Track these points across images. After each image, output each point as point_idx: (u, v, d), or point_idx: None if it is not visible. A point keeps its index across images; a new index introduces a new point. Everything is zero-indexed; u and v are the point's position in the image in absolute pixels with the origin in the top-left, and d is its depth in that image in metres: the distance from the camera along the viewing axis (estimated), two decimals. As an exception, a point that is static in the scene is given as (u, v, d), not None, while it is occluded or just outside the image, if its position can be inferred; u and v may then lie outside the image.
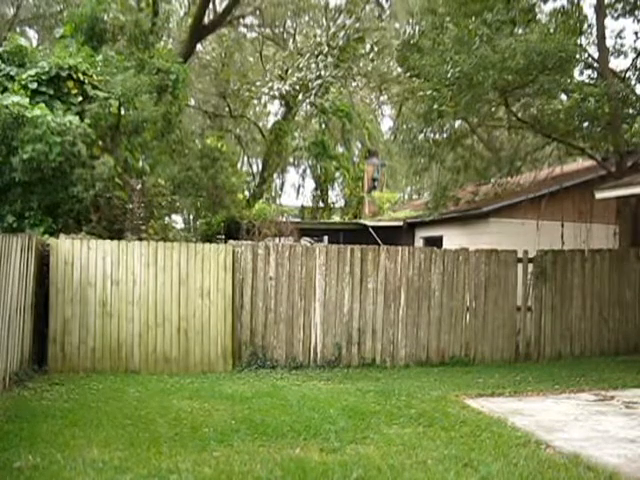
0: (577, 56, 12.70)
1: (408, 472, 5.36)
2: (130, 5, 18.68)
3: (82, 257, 10.01)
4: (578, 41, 13.04)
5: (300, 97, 25.75)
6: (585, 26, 13.42)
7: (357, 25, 22.81)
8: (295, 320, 10.86)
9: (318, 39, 23.23)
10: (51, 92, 12.87)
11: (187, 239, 14.96)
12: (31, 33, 29.09)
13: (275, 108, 31.72)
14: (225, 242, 12.30)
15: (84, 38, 15.18)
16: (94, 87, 13.37)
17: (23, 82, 12.73)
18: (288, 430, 6.60)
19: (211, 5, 22.99)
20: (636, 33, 13.91)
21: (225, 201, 19.07)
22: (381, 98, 30.24)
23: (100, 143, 13.38)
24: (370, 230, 18.47)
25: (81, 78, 13.26)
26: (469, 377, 10.10)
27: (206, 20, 22.64)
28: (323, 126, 29.26)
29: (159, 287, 10.26)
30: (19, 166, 11.34)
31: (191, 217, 26.05)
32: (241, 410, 7.48)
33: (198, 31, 22.05)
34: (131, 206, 12.98)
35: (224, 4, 23.64)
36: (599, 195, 11.45)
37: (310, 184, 30.78)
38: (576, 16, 13.18)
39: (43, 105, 12.12)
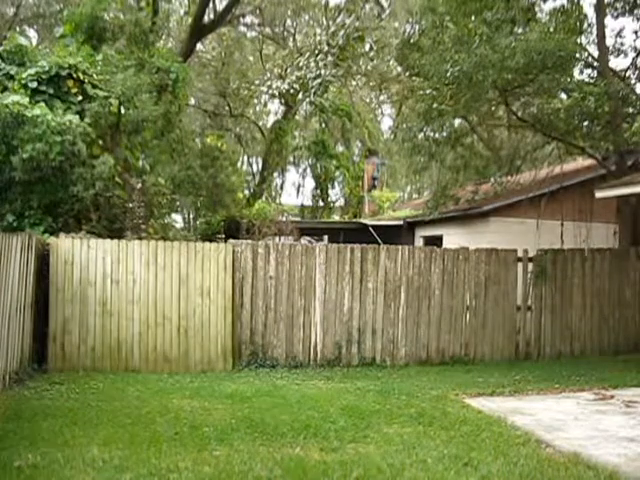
0: (577, 55, 12.69)
1: (408, 471, 5.37)
2: (130, 4, 18.69)
3: (82, 256, 10.02)
4: (578, 40, 13.02)
5: (300, 96, 25.73)
6: (585, 25, 13.39)
7: (357, 24, 22.76)
8: (295, 319, 10.86)
9: (318, 38, 23.20)
10: (51, 91, 12.86)
11: (187, 238, 14.95)
12: (31, 32, 29.08)
13: (275, 107, 31.79)
14: (225, 241, 12.30)
15: (84, 37, 15.17)
16: (94, 86, 13.36)
17: (23, 81, 12.73)
18: (288, 429, 6.60)
19: (211, 4, 22.98)
20: (636, 32, 13.88)
21: (225, 200, 19.06)
22: (381, 97, 30.26)
23: (100, 142, 13.38)
24: (370, 229, 18.47)
25: (81, 77, 13.25)
26: (469, 376, 10.11)
27: (206, 19, 22.63)
28: (323, 125, 29.26)
29: (159, 286, 10.26)
30: (19, 165, 11.33)
31: (191, 216, 26.05)
32: (241, 409, 7.48)
33: (198, 30, 22.05)
34: (131, 205, 12.97)
35: (224, 3, 23.63)
36: (599, 194, 11.45)
37: (310, 183, 30.79)
38: (576, 15, 13.16)
39: (43, 104, 12.11)
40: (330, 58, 22.13)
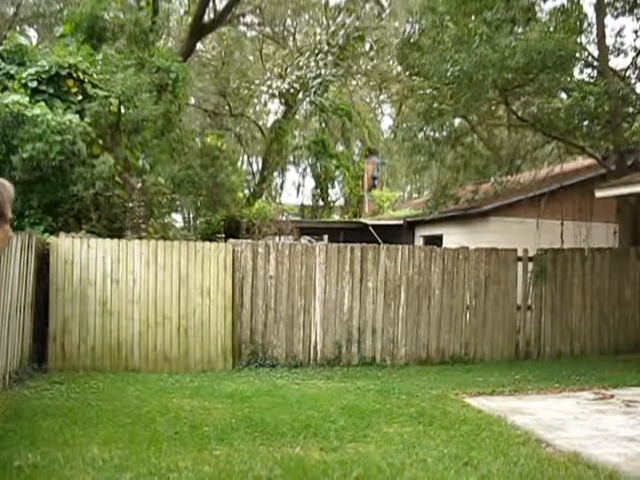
0: (577, 55, 12.69)
1: (408, 471, 5.36)
2: (130, 4, 18.68)
3: (82, 256, 10.01)
4: (578, 40, 13.02)
5: (300, 96, 25.74)
6: (585, 25, 13.39)
7: (357, 24, 22.78)
8: (295, 319, 10.86)
9: (318, 38, 23.21)
10: (51, 91, 12.86)
11: (187, 238, 14.95)
12: (31, 32, 29.09)
13: (275, 107, 31.79)
14: (225, 241, 12.30)
15: (84, 37, 15.17)
16: (94, 86, 13.36)
17: (23, 81, 12.73)
18: (288, 429, 6.60)
19: (211, 4, 22.99)
20: (636, 32, 13.87)
21: (225, 200, 19.07)
22: (381, 97, 30.26)
23: (100, 142, 13.38)
24: (370, 229, 18.47)
25: (81, 77, 13.25)
26: (469, 376, 10.11)
27: (206, 19, 22.63)
28: (323, 125, 29.26)
29: (159, 286, 10.26)
30: (19, 165, 11.34)
31: (191, 216, 26.05)
32: (241, 409, 7.48)
33: (198, 30, 22.05)
34: (131, 205, 12.97)
35: (224, 3, 23.64)
36: (599, 194, 11.45)
37: (310, 183, 30.78)
38: (576, 15, 13.16)
39: (43, 104, 12.11)
40: (330, 58, 22.15)
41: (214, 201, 18.94)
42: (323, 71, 21.98)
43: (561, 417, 7.39)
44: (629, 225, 13.31)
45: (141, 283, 10.20)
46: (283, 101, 27.99)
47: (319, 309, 10.93)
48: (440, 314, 11.43)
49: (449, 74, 11.88)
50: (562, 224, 13.63)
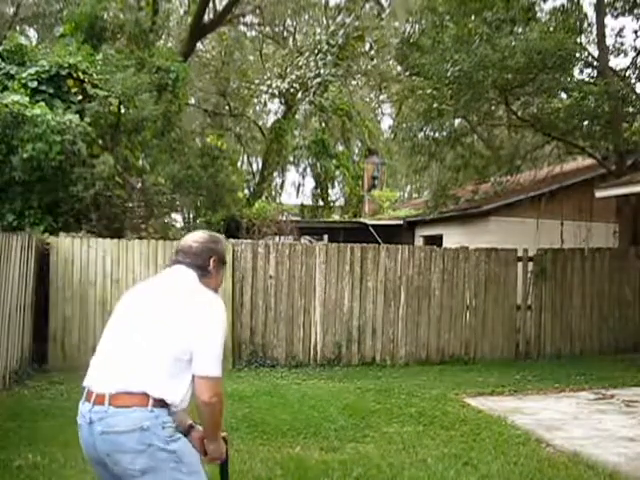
0: (577, 55, 12.68)
1: (408, 471, 5.37)
2: (130, 4, 18.68)
3: (82, 256, 10.01)
4: (578, 40, 13.02)
5: (300, 95, 25.74)
6: (585, 25, 13.39)
7: (357, 23, 22.80)
8: (295, 319, 10.86)
9: (318, 37, 23.21)
10: (51, 91, 12.86)
11: (187, 238, 14.90)
12: (31, 32, 29.06)
13: (275, 107, 31.76)
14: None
15: (84, 37, 15.15)
16: (94, 86, 13.35)
17: (23, 81, 12.72)
18: (288, 429, 6.61)
19: (211, 4, 22.97)
20: (636, 32, 13.85)
21: (225, 200, 19.02)
22: (381, 97, 30.27)
23: (100, 142, 13.37)
24: (370, 229, 18.48)
25: (81, 77, 13.24)
26: (469, 376, 10.11)
27: (206, 19, 22.62)
28: (323, 125, 29.25)
29: (159, 286, 10.22)
30: (19, 165, 11.33)
31: (191, 216, 26.00)
32: (241, 409, 7.48)
33: (198, 30, 22.02)
34: (131, 205, 12.97)
35: (224, 3, 23.62)
36: (599, 194, 11.45)
37: (310, 183, 30.75)
38: (576, 15, 13.15)
39: (43, 104, 12.10)
40: (330, 57, 22.14)
41: (214, 201, 18.90)
42: (323, 71, 21.98)
43: (561, 417, 7.39)
44: (629, 225, 13.30)
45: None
46: (283, 101, 27.96)
47: (319, 309, 10.93)
48: (440, 314, 11.43)
49: (449, 74, 11.87)
50: (562, 224, 13.63)
